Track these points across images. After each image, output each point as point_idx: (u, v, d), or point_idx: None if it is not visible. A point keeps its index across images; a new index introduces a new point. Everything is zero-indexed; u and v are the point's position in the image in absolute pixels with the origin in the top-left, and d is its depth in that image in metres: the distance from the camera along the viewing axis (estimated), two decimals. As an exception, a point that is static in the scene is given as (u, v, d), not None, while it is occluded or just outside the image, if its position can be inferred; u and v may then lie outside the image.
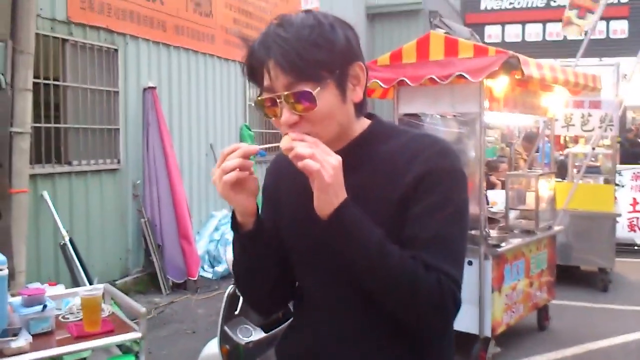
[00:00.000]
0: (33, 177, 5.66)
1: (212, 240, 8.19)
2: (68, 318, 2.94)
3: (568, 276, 7.15)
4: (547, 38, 20.08)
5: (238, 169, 1.30)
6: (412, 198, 1.34)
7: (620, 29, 19.31)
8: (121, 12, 7.01)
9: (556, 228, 6.01)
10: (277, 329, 3.18)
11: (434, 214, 1.33)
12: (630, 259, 8.64)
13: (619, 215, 7.67)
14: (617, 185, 8.43)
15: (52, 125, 6.19)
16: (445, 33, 5.82)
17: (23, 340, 2.50)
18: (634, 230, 8.93)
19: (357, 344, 1.40)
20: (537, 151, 8.54)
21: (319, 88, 1.29)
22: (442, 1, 16.73)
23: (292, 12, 1.37)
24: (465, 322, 4.68)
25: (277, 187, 1.58)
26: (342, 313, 1.42)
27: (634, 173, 9.07)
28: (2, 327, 2.59)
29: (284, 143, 1.28)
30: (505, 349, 5.15)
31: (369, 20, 14.90)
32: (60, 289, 5.07)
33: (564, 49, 15.93)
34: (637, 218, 8.95)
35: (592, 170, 8.72)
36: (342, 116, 1.36)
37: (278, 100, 1.31)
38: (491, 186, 7.34)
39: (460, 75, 4.60)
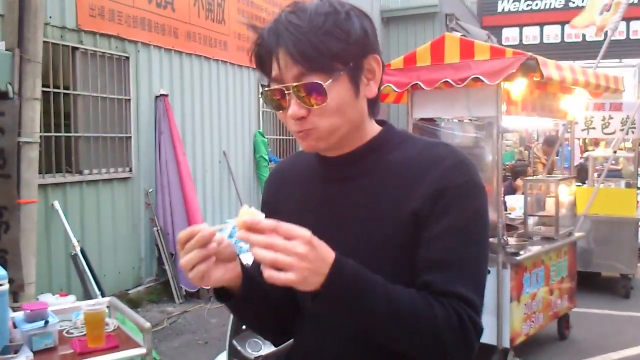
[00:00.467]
0: (43, 186, 5.62)
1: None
2: (72, 333, 2.87)
3: (588, 283, 6.99)
4: (566, 40, 19.84)
5: (201, 262, 1.18)
6: (429, 215, 1.23)
7: (640, 29, 19.04)
8: (132, 19, 6.97)
9: (577, 234, 5.85)
10: (287, 342, 3.08)
11: (453, 234, 1.23)
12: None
13: (642, 220, 7.48)
14: (638, 189, 8.23)
15: (62, 134, 6.14)
16: (461, 36, 5.68)
17: (24, 357, 2.44)
18: (657, 235, 8.69)
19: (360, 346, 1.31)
20: (556, 155, 8.38)
21: (330, 80, 1.19)
22: (458, 4, 16.56)
23: None
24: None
25: (277, 202, 1.48)
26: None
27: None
28: (3, 344, 2.52)
29: (241, 218, 1.10)
30: (524, 359, 5.01)
31: (383, 24, 14.68)
32: (70, 299, 5.04)
33: (583, 50, 15.75)
34: (660, 222, 8.72)
35: (613, 174, 8.54)
36: (354, 112, 1.27)
37: (286, 92, 1.21)
38: (513, 191, 7.19)
39: (477, 78, 4.48)
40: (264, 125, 9.89)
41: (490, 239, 4.55)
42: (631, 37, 18.90)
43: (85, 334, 2.74)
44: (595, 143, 11.43)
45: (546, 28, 20.37)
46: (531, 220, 5.52)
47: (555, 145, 8.34)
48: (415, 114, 5.14)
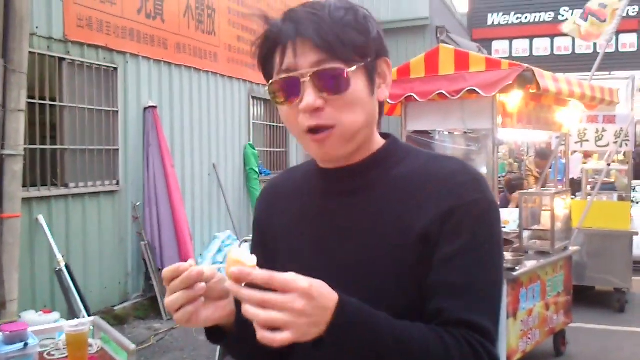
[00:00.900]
0: (28, 200, 5.49)
1: (215, 263, 7.97)
2: (54, 355, 2.74)
3: (582, 297, 6.89)
4: (556, 52, 19.94)
5: (188, 304, 1.08)
6: (439, 236, 1.13)
7: (629, 42, 19.15)
8: (121, 30, 6.86)
9: (572, 248, 5.77)
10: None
11: (466, 256, 1.12)
12: (648, 278, 8.35)
13: (636, 233, 7.41)
14: (632, 202, 8.18)
15: (48, 146, 6.01)
16: (452, 48, 5.63)
17: (0, 382, 2.30)
18: (651, 249, 8.63)
19: None
20: (549, 167, 8.31)
21: (354, 67, 1.13)
22: (448, 16, 16.59)
23: None
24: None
25: (270, 216, 1.38)
26: None
27: (649, 189, 8.82)
28: (-20, 368, 2.40)
29: (230, 267, 0.98)
30: (521, 377, 4.90)
31: (374, 37, 14.68)
32: (53, 317, 4.89)
33: (573, 63, 15.80)
34: (654, 236, 8.66)
35: (607, 187, 8.46)
36: (371, 112, 1.20)
37: (302, 80, 1.11)
38: (507, 204, 7.11)
39: (472, 90, 4.41)
40: (254, 138, 9.78)
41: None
42: (620, 49, 19.01)
43: (67, 356, 2.62)
44: (587, 156, 11.38)
45: (536, 41, 20.49)
46: (526, 234, 5.44)
47: (549, 158, 8.27)
48: (409, 126, 5.07)
